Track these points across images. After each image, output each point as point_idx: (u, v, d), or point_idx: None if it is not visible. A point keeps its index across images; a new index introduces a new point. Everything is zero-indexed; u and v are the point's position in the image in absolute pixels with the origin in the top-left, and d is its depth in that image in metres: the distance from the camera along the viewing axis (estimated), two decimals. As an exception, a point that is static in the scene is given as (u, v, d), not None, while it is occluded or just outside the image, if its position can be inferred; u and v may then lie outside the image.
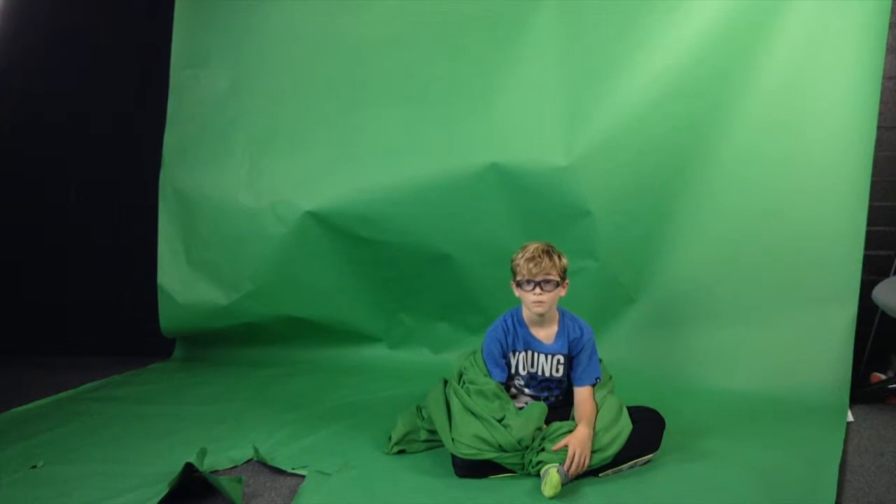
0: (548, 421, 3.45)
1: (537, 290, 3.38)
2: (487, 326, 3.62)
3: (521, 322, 3.56)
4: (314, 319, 4.90)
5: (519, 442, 3.31)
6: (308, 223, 4.65)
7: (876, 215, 4.31)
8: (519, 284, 3.42)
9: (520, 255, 3.45)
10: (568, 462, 3.24)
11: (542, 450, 3.32)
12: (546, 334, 3.57)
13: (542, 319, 3.51)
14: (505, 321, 3.57)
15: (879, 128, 4.21)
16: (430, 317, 4.94)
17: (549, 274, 3.40)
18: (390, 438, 3.66)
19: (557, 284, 3.42)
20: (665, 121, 4.23)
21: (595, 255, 4.56)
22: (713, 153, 4.30)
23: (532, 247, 3.45)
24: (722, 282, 4.35)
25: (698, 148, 4.32)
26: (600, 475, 3.36)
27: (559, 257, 3.46)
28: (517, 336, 3.56)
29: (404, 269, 4.77)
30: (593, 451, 3.31)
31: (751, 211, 4.29)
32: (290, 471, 3.47)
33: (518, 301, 3.57)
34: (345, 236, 4.66)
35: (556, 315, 3.56)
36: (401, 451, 3.62)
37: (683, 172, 4.36)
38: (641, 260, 4.55)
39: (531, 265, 3.38)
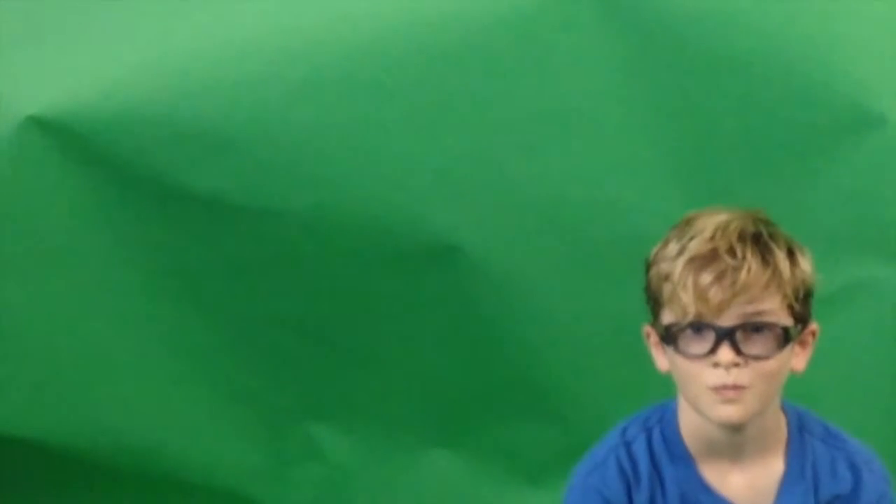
0: None
1: (725, 353, 1.50)
2: (573, 456, 1.78)
3: (675, 444, 1.68)
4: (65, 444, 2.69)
5: None
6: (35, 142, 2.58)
7: None
8: (670, 336, 1.56)
9: (673, 248, 1.56)
10: None
11: None
12: (748, 481, 1.67)
13: (739, 438, 1.62)
14: (628, 445, 1.74)
15: None
16: (399, 433, 2.72)
17: (758, 304, 1.50)
18: None
19: (785, 336, 1.52)
20: None
21: None
22: None
23: (710, 224, 1.55)
24: None
25: None
26: None
27: (791, 256, 1.55)
28: (661, 485, 1.68)
29: (325, 295, 2.61)
30: None
31: None
32: None
33: (664, 383, 1.65)
34: (142, 194, 2.54)
35: (782, 425, 1.66)
36: None
37: None
38: None
39: (707, 280, 1.51)
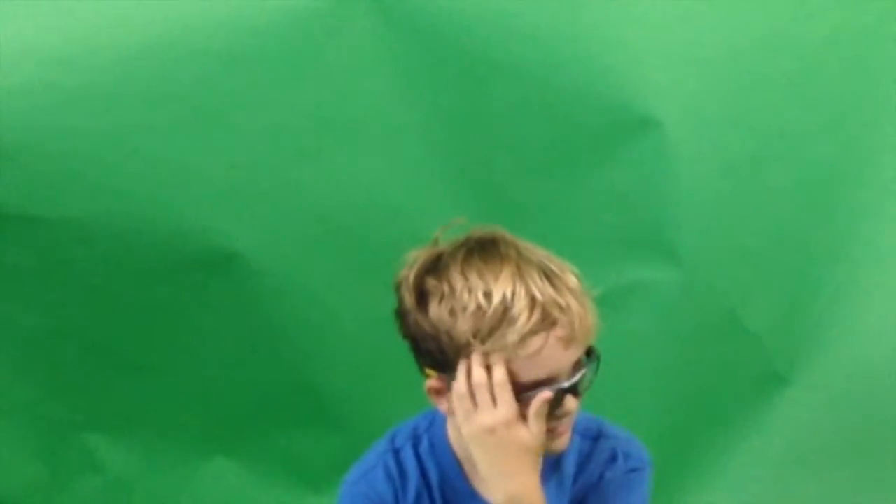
0: None
1: (567, 402, 1.51)
2: (348, 460, 1.71)
3: (442, 451, 1.61)
4: None
5: None
6: None
7: None
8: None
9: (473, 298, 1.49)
10: None
11: None
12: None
13: None
14: (396, 452, 1.65)
15: None
16: (178, 442, 2.57)
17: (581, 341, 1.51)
18: None
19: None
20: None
21: (676, 251, 2.49)
22: None
23: (502, 273, 1.50)
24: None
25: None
26: None
27: (571, 279, 1.49)
28: (429, 491, 1.62)
29: (103, 304, 2.43)
30: None
31: None
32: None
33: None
34: None
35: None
36: None
37: None
38: (802, 269, 2.56)
39: (530, 322, 1.44)
